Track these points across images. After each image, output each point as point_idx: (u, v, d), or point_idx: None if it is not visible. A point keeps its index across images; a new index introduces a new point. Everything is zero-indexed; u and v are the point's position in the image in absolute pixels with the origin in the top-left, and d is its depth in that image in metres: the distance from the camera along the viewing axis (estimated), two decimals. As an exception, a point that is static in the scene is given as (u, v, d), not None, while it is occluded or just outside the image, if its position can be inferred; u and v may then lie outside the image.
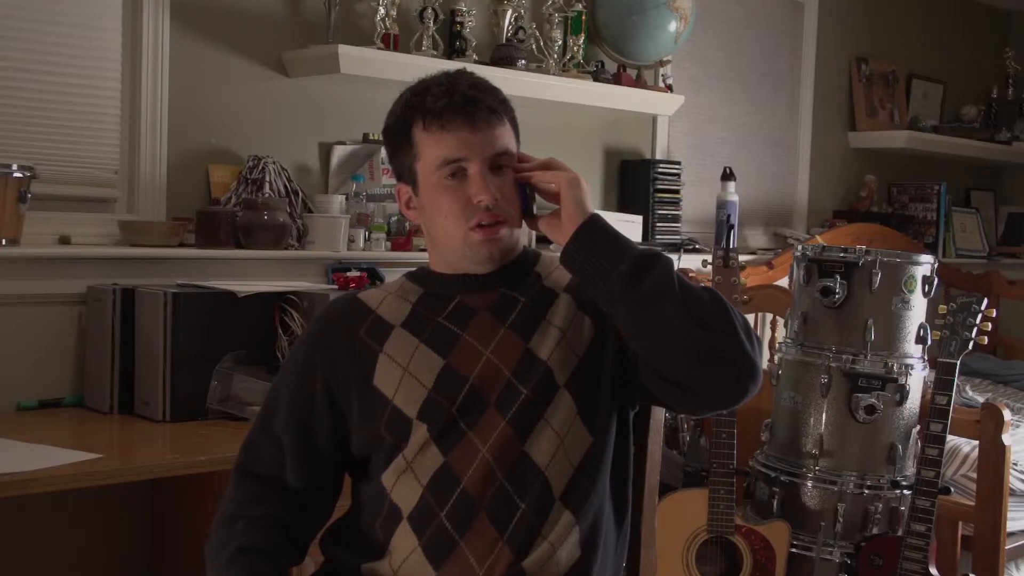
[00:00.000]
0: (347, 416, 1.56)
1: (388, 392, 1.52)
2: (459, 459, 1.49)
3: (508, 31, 3.40)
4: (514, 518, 1.47)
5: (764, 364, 1.53)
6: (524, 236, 1.65)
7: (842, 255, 2.73)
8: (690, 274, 3.68)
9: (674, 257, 3.79)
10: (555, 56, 3.49)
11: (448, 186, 1.51)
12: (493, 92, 1.55)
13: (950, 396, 2.57)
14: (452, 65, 3.13)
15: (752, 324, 1.56)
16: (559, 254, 1.54)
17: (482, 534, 1.47)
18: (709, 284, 2.76)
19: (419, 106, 1.52)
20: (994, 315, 2.67)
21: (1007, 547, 2.84)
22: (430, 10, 3.15)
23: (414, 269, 1.66)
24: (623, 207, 3.84)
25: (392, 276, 3.10)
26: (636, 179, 3.85)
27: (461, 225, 1.52)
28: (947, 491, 2.63)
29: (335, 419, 1.57)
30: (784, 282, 3.88)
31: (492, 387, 1.51)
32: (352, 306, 1.60)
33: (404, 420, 1.51)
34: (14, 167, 2.43)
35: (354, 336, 1.56)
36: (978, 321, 2.63)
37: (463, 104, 1.50)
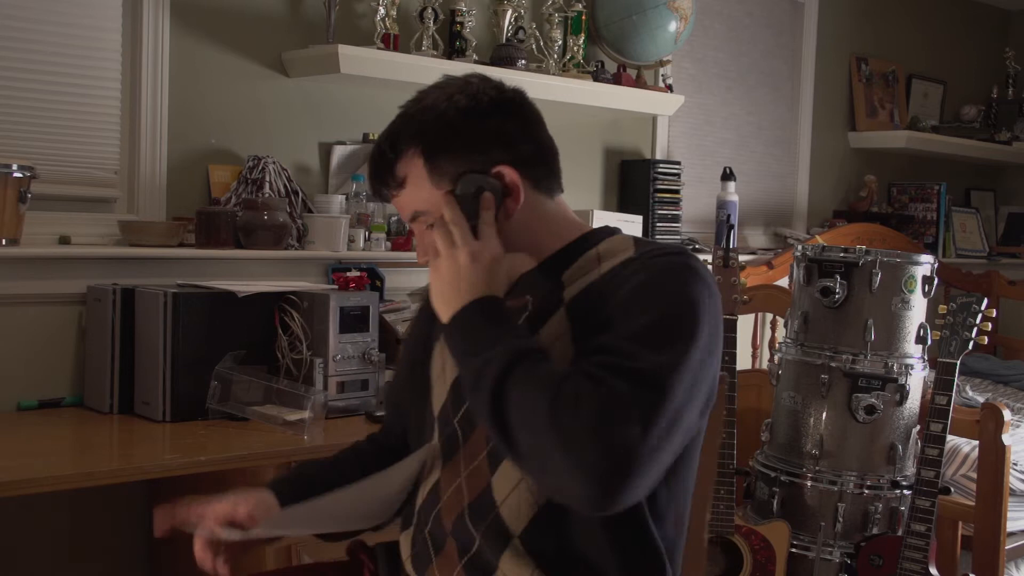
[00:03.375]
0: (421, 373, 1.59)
1: (434, 383, 1.53)
2: (446, 477, 1.47)
3: (508, 31, 3.40)
4: (470, 550, 1.42)
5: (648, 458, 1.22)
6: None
7: (842, 255, 2.73)
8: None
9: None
10: (555, 56, 3.49)
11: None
12: (383, 154, 1.47)
13: (950, 396, 2.57)
14: (452, 66, 3.14)
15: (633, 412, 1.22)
16: (629, 247, 1.44)
17: (449, 559, 1.44)
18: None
19: None
20: (994, 315, 2.68)
21: (1007, 547, 2.84)
22: (430, 10, 3.15)
23: None
24: (623, 207, 3.84)
25: (392, 276, 3.12)
26: (636, 179, 3.85)
27: None
28: (947, 491, 2.63)
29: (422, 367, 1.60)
30: (784, 282, 3.88)
31: None
32: None
33: (431, 417, 1.53)
34: (14, 167, 2.43)
35: (430, 309, 1.48)
36: (978, 321, 2.64)
37: (369, 179, 1.52)
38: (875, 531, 2.69)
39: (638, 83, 3.73)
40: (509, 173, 1.44)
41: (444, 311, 1.39)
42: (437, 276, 1.40)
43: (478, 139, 1.44)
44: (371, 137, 3.15)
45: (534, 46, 3.43)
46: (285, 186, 2.91)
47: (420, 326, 1.61)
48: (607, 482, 1.20)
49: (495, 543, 1.39)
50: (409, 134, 1.45)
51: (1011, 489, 2.85)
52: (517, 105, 1.48)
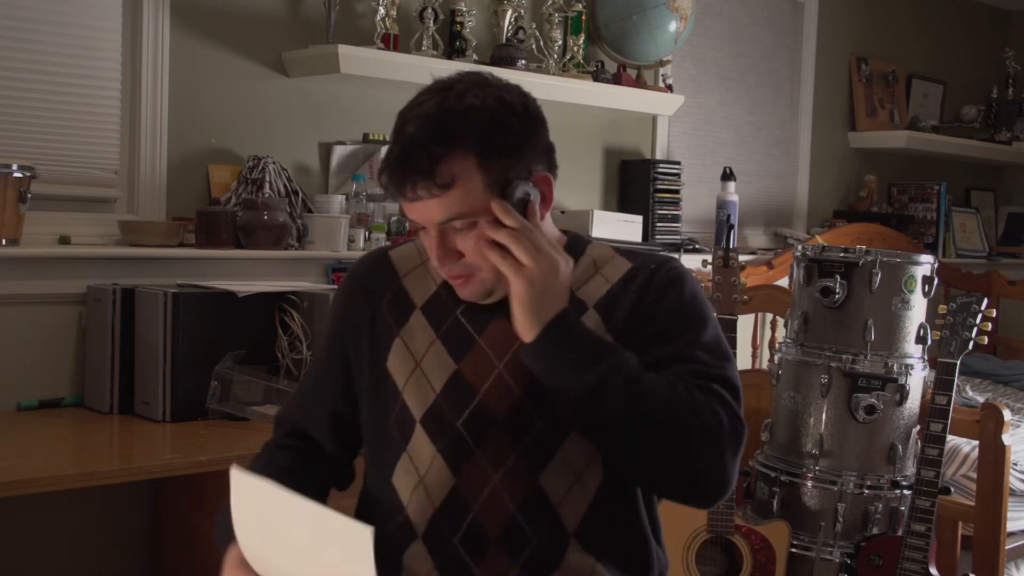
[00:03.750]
0: (357, 377, 1.56)
1: (399, 382, 1.49)
2: (469, 482, 1.44)
3: (508, 31, 3.40)
4: (525, 552, 1.44)
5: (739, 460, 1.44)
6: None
7: (842, 255, 2.73)
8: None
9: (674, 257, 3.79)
10: (555, 56, 3.49)
11: (422, 233, 1.45)
12: (429, 153, 1.35)
13: (950, 396, 2.57)
14: (452, 66, 3.13)
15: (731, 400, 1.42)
16: (612, 253, 1.52)
17: (497, 563, 1.43)
18: (709, 282, 2.76)
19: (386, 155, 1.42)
20: (994, 315, 2.67)
21: (1007, 547, 2.84)
22: (430, 10, 3.15)
23: None
24: (623, 207, 3.84)
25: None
26: (636, 179, 3.85)
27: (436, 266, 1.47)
28: (947, 491, 2.63)
29: (350, 371, 1.57)
30: (784, 282, 3.88)
31: (501, 404, 1.45)
32: (379, 268, 1.58)
33: (410, 420, 1.47)
34: (14, 167, 2.43)
35: (376, 306, 1.54)
36: (978, 321, 2.63)
37: (394, 172, 1.37)
38: (875, 531, 2.69)
39: (638, 83, 3.73)
40: (549, 180, 1.45)
41: (536, 321, 1.36)
42: (525, 285, 1.36)
43: (527, 145, 1.42)
44: (371, 137, 3.15)
45: (534, 46, 3.43)
46: (285, 186, 2.91)
47: (365, 321, 1.54)
48: (730, 474, 1.40)
49: (556, 542, 1.44)
50: (461, 134, 1.36)
51: (1011, 489, 2.85)
52: (541, 109, 1.48)
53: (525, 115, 1.42)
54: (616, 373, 1.35)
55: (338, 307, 1.61)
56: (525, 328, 1.37)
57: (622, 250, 1.55)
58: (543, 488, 1.44)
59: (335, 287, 2.78)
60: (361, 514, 1.54)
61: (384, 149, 3.11)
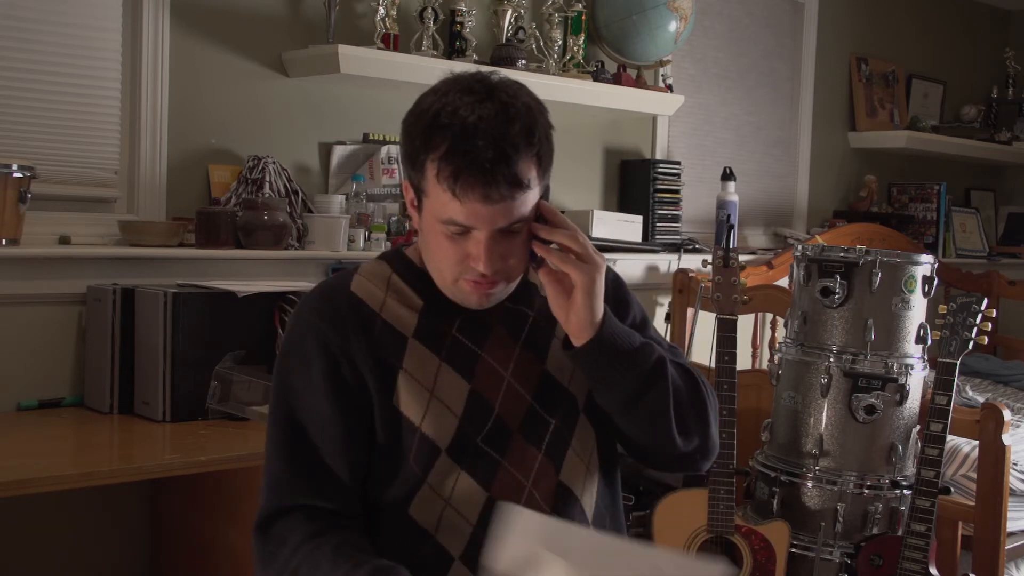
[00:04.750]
0: (370, 414, 1.45)
1: (415, 418, 1.43)
2: (504, 493, 1.44)
3: (508, 31, 3.40)
4: None
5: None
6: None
7: (842, 255, 2.73)
8: (690, 274, 3.68)
9: (674, 257, 3.79)
10: (555, 56, 3.49)
11: (449, 237, 1.38)
12: (518, 148, 1.33)
13: (950, 396, 2.57)
14: (452, 66, 3.13)
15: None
16: None
17: None
18: (709, 282, 2.76)
19: (437, 144, 1.34)
20: (994, 315, 2.67)
21: (1007, 547, 2.84)
22: (430, 10, 3.14)
23: (396, 257, 1.52)
24: (623, 207, 3.84)
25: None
26: (636, 179, 3.85)
27: (453, 272, 1.41)
28: (947, 491, 2.63)
29: (368, 401, 1.44)
30: (784, 282, 3.88)
31: (515, 413, 1.47)
32: (353, 302, 1.46)
33: (433, 451, 1.43)
34: (14, 167, 2.43)
35: (370, 339, 1.44)
36: (978, 321, 2.63)
37: (480, 174, 1.31)
38: (875, 531, 2.69)
39: (638, 83, 3.73)
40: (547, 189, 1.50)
41: (593, 318, 1.41)
42: (588, 282, 1.39)
43: (554, 152, 1.44)
44: (371, 137, 3.15)
45: (534, 46, 3.43)
46: (285, 186, 2.91)
47: (361, 354, 1.44)
48: (715, 454, 1.56)
49: None
50: (534, 134, 1.36)
51: (1011, 489, 2.85)
52: None
53: (548, 116, 1.44)
54: (661, 363, 1.46)
55: (322, 348, 1.44)
56: (584, 326, 1.41)
57: None
58: (564, 483, 1.49)
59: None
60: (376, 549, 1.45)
61: (385, 148, 3.14)
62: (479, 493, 1.44)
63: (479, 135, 1.32)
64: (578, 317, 1.40)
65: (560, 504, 1.48)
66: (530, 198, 1.38)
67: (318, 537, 1.39)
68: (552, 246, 1.41)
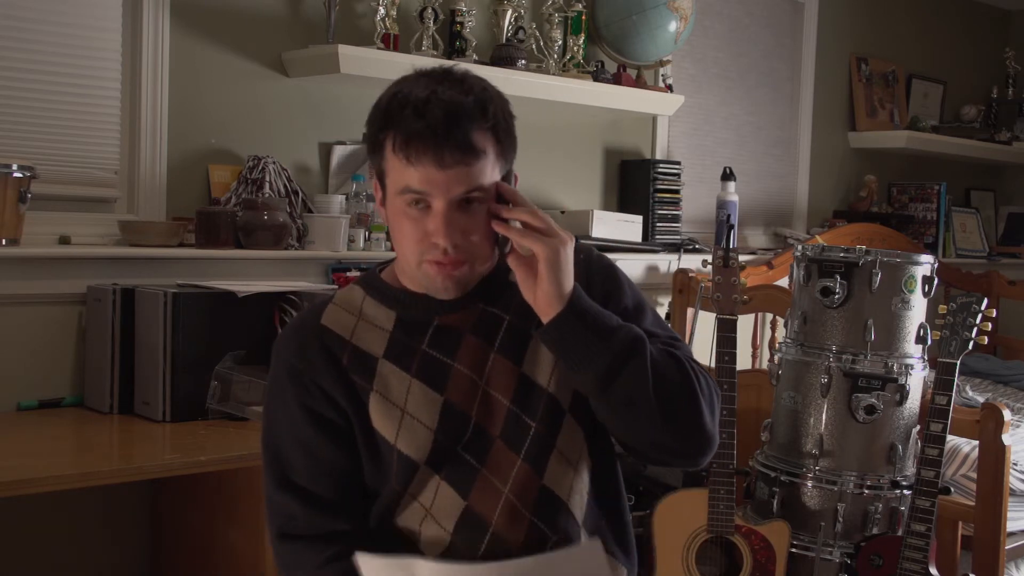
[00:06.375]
0: (353, 434, 1.48)
1: (389, 436, 1.46)
2: (481, 501, 1.45)
3: (508, 31, 3.40)
4: (545, 548, 1.47)
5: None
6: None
7: (842, 255, 2.73)
8: (690, 274, 3.68)
9: (674, 257, 3.79)
10: (555, 56, 3.49)
11: (409, 214, 1.41)
12: (472, 117, 1.38)
13: (950, 396, 2.57)
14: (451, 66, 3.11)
15: (711, 389, 1.50)
16: None
17: None
18: (709, 282, 2.76)
19: (393, 120, 1.39)
20: (994, 315, 2.67)
21: (1007, 547, 2.84)
22: (430, 10, 3.15)
23: (370, 279, 1.56)
24: (623, 207, 3.84)
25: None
26: (636, 179, 3.85)
27: (416, 255, 1.43)
28: (947, 491, 2.63)
29: (350, 436, 1.48)
30: (784, 282, 3.88)
31: (494, 419, 1.47)
32: (323, 335, 1.49)
33: (411, 466, 1.46)
34: (14, 167, 2.43)
35: (340, 368, 1.47)
36: (978, 321, 2.63)
37: (432, 136, 1.35)
38: (875, 531, 2.69)
39: (638, 83, 3.73)
40: (518, 179, 1.50)
41: (560, 292, 1.40)
42: (551, 254, 1.39)
43: (515, 138, 1.47)
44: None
45: (534, 46, 3.43)
46: (285, 186, 2.91)
47: (333, 383, 1.47)
48: (713, 448, 1.48)
49: (572, 535, 1.48)
50: (490, 109, 1.40)
51: (1011, 489, 2.85)
52: None
53: (509, 107, 1.47)
54: (638, 342, 1.41)
55: (296, 381, 1.48)
56: (551, 299, 1.40)
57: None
58: (549, 488, 1.47)
59: (335, 287, 2.78)
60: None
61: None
62: (457, 502, 1.46)
63: (432, 105, 1.36)
64: (544, 291, 1.40)
65: (544, 509, 1.47)
66: (487, 169, 1.40)
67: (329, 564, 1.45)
68: (515, 224, 1.42)
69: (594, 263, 1.55)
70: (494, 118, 1.40)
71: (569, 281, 1.41)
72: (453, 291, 1.45)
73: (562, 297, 1.40)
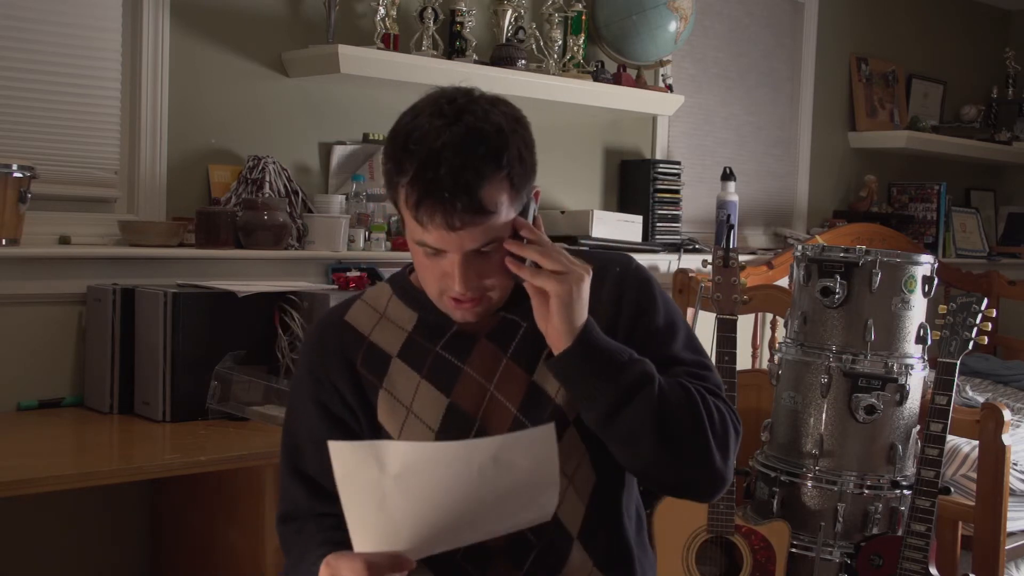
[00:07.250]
0: (358, 429, 1.52)
1: (393, 433, 1.48)
2: None
3: (508, 31, 3.39)
4: (529, 558, 1.47)
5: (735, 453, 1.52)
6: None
7: (842, 255, 2.73)
8: (690, 274, 3.68)
9: (674, 257, 3.79)
10: (555, 56, 3.49)
11: (427, 256, 1.41)
12: (482, 174, 1.33)
13: (950, 396, 2.57)
14: (452, 66, 3.12)
15: (731, 423, 1.48)
16: None
17: (501, 573, 1.46)
18: (709, 282, 2.76)
19: (405, 171, 1.36)
20: (994, 315, 2.68)
21: (1007, 547, 2.84)
22: (430, 10, 3.14)
23: (399, 279, 1.58)
24: (623, 207, 3.84)
25: (392, 276, 3.11)
26: (636, 179, 3.85)
27: (436, 290, 1.44)
28: (947, 491, 2.63)
29: (359, 434, 1.50)
30: (784, 282, 3.88)
31: (499, 424, 1.47)
32: (343, 332, 1.53)
33: None
34: (14, 167, 2.43)
35: (352, 366, 1.51)
36: (978, 321, 2.64)
37: (441, 202, 1.33)
38: (875, 531, 2.69)
39: (638, 83, 3.73)
40: (539, 193, 1.48)
41: (571, 328, 1.39)
42: (565, 292, 1.38)
43: (536, 161, 1.45)
44: (371, 137, 3.15)
45: (534, 46, 3.43)
46: (285, 186, 2.91)
47: (345, 380, 1.51)
48: (731, 469, 1.47)
49: (559, 545, 1.47)
50: (499, 157, 1.36)
51: (1011, 489, 2.85)
52: None
53: (529, 130, 1.44)
54: (646, 378, 1.40)
55: (312, 376, 1.52)
56: (561, 335, 1.40)
57: (575, 252, 1.54)
58: None
59: (335, 287, 2.78)
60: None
61: (381, 152, 3.13)
62: None
63: (442, 162, 1.33)
64: (554, 327, 1.40)
65: None
66: (500, 219, 1.38)
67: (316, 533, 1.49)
68: (528, 263, 1.41)
69: (630, 277, 1.53)
70: (509, 165, 1.37)
71: (581, 316, 1.40)
72: (473, 320, 1.47)
73: (572, 332, 1.39)
